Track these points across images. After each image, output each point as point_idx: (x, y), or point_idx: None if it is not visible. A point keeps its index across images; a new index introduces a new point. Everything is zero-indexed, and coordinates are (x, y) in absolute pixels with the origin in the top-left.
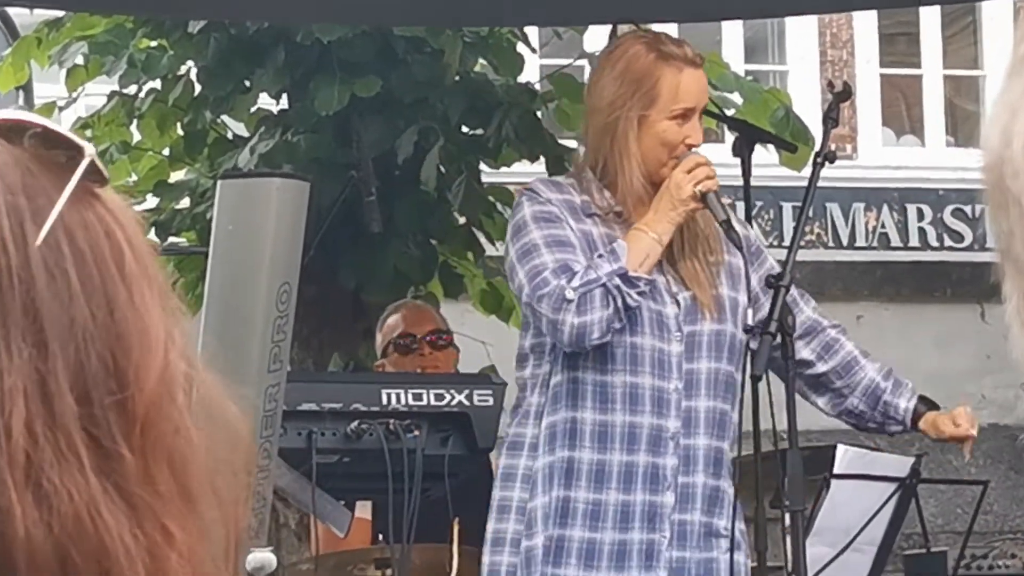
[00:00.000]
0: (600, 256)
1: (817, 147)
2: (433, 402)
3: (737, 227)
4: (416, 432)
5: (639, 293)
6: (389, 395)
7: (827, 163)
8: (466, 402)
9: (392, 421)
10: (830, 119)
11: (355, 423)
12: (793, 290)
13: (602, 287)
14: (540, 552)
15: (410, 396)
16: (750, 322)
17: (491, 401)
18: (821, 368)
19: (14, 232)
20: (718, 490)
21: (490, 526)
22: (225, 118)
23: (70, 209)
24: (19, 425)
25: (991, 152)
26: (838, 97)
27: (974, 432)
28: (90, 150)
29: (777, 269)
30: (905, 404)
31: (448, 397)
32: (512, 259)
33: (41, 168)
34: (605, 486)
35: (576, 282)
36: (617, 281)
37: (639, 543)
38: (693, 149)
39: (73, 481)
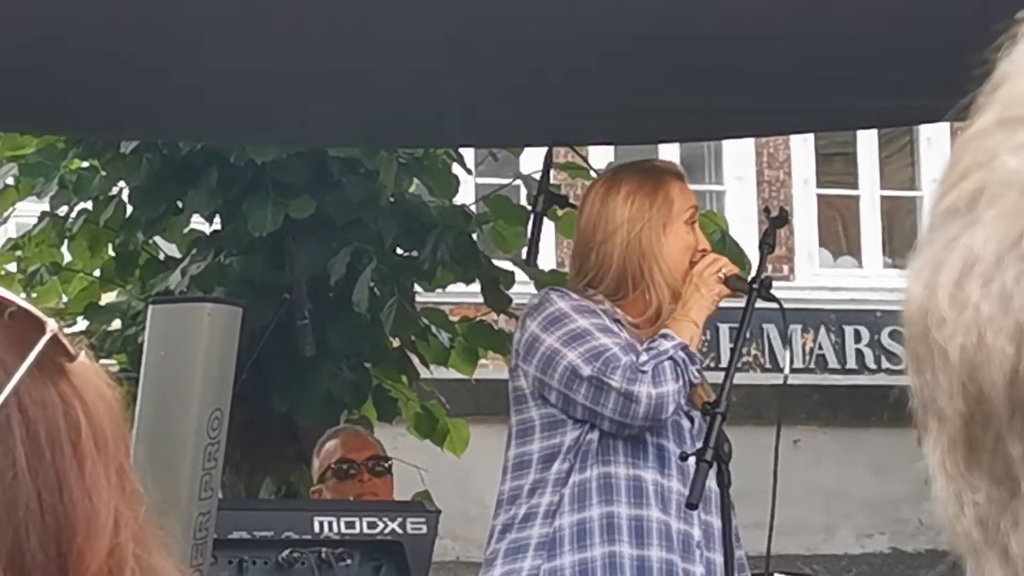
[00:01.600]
0: (654, 341)
1: (754, 272)
2: (366, 530)
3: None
4: (348, 561)
5: (696, 372)
6: (321, 523)
7: (763, 289)
8: (399, 530)
9: (324, 550)
10: (766, 245)
11: (287, 552)
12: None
13: (671, 360)
14: None
15: (343, 524)
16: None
17: (424, 529)
18: None
19: None
20: None
21: None
22: (157, 239)
23: (29, 386)
24: None
25: (914, 306)
26: (774, 223)
27: None
28: (52, 326)
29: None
30: None
31: (381, 525)
32: (553, 345)
33: (7, 343)
34: None
35: (644, 357)
36: (683, 355)
37: None
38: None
39: None
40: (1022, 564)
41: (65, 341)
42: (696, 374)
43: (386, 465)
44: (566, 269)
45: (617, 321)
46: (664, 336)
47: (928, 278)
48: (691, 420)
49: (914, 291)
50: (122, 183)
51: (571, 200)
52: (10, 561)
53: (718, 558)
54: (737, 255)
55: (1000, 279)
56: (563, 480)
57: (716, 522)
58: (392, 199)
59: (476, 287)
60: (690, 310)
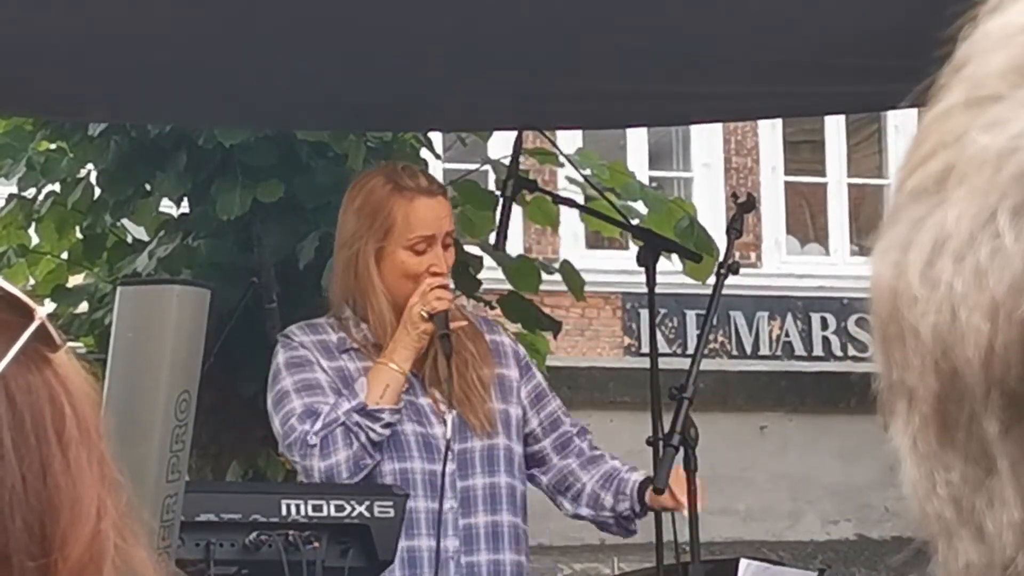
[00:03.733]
0: (341, 396)
1: (721, 257)
2: (333, 513)
3: (508, 340)
4: (315, 544)
5: (384, 425)
6: (288, 506)
7: (731, 274)
8: (366, 513)
9: (291, 533)
10: (734, 230)
11: (254, 534)
12: (544, 386)
13: (342, 426)
14: None
15: (310, 507)
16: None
17: (392, 512)
18: (557, 461)
19: None
20: None
21: None
22: (125, 222)
23: (16, 372)
24: None
25: (882, 286)
26: (742, 208)
27: (682, 501)
28: (41, 313)
29: (543, 384)
30: (635, 478)
31: (348, 508)
32: (270, 407)
33: None
34: None
35: (318, 425)
36: (356, 418)
37: None
38: (436, 277)
39: None
40: (998, 543)
41: (52, 329)
42: (381, 430)
43: None
44: (534, 255)
45: (349, 350)
46: (351, 392)
47: (897, 258)
48: (446, 424)
49: (882, 271)
50: (90, 165)
51: (540, 185)
52: None
53: (483, 557)
54: (705, 242)
55: (973, 256)
56: None
57: (482, 519)
58: None
59: None
60: (394, 351)
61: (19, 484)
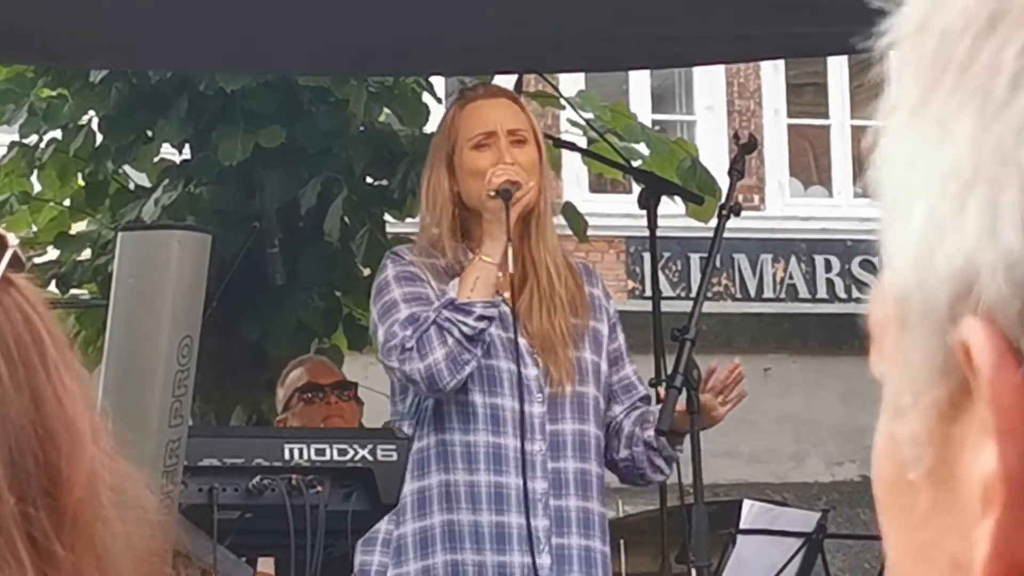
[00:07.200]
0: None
1: (723, 199)
2: (336, 457)
3: (603, 294)
4: (319, 488)
5: (477, 318)
6: (292, 450)
7: (733, 215)
8: (369, 457)
9: (294, 477)
10: (736, 171)
11: (257, 478)
12: (624, 349)
13: (434, 325)
14: None
15: (313, 451)
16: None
17: (395, 456)
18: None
19: None
20: (589, 549)
21: None
22: (127, 168)
23: None
24: None
25: None
26: (743, 149)
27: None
28: (13, 240)
29: (623, 347)
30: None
31: (351, 452)
32: (374, 319)
33: None
34: (482, 547)
35: (409, 331)
36: (446, 313)
37: None
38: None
39: None
40: None
41: (20, 253)
42: (474, 323)
43: (351, 393)
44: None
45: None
46: (444, 294)
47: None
48: (539, 366)
49: None
50: (92, 112)
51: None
52: (12, 478)
53: (572, 502)
54: (707, 183)
55: None
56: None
57: (572, 465)
58: (362, 128)
59: None
60: (484, 242)
61: (21, 416)
